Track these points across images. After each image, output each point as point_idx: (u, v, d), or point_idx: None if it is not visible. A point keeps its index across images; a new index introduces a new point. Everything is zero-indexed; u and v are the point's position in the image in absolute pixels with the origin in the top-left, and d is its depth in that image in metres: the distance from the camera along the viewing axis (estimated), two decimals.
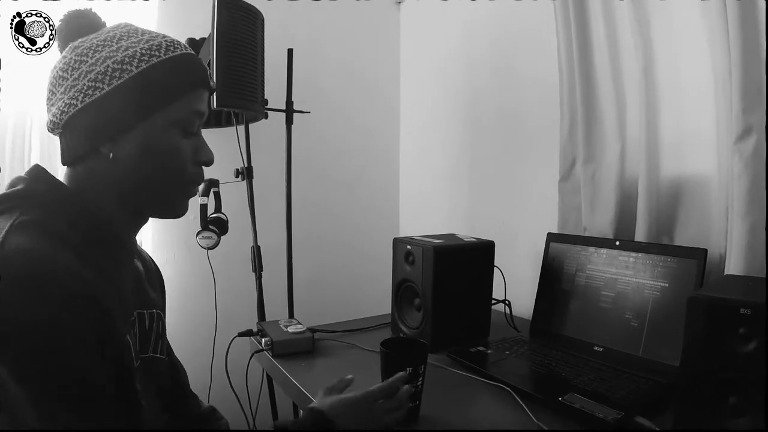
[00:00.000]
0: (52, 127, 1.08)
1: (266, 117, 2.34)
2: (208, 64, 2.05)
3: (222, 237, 2.18)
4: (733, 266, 1.49)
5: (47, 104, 1.08)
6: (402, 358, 1.31)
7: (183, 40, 2.18)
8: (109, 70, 1.02)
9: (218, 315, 2.45)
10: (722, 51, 1.54)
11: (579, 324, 1.82)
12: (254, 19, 2.16)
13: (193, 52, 1.15)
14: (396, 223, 3.45)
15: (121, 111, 1.03)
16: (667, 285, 1.61)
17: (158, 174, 1.10)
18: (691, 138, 1.75)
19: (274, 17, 2.36)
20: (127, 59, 1.03)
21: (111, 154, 1.05)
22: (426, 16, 3.21)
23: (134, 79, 1.03)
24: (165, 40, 1.09)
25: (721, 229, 1.63)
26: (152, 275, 1.34)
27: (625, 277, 1.72)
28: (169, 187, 1.14)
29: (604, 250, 1.80)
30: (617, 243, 1.78)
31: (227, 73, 2.03)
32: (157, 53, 1.06)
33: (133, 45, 1.05)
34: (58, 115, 1.05)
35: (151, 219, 1.21)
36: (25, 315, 0.82)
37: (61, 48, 1.12)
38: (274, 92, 2.36)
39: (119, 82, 1.02)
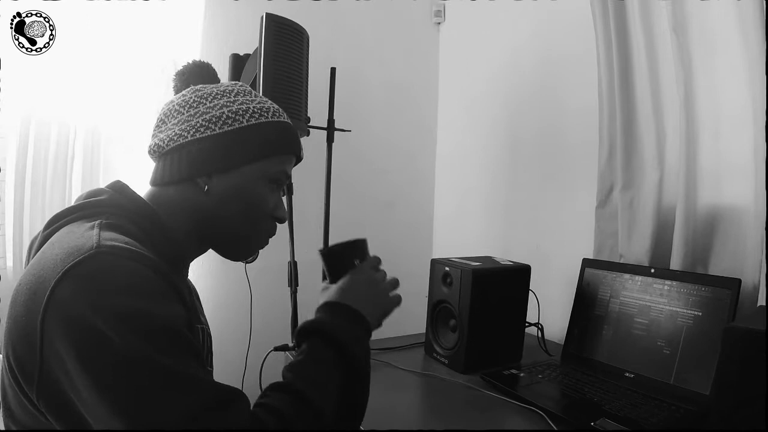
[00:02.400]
0: (155, 150, 1.17)
1: (308, 134, 2.38)
2: (254, 81, 2.10)
3: (260, 251, 2.21)
4: None
5: (155, 130, 1.19)
6: (344, 251, 1.37)
7: (227, 56, 2.24)
8: (224, 116, 1.14)
9: (252, 328, 2.48)
10: (761, 83, 1.54)
11: (611, 350, 1.83)
12: (300, 38, 2.21)
13: (291, 123, 1.26)
14: (430, 243, 3.46)
15: (225, 153, 1.14)
16: (700, 314, 1.62)
17: (240, 215, 1.18)
18: (729, 168, 1.76)
19: (318, 36, 2.40)
20: (241, 111, 1.16)
21: (206, 187, 1.14)
22: (465, 37, 3.24)
23: (243, 130, 1.15)
24: (273, 107, 1.22)
25: (756, 260, 1.63)
26: (199, 297, 1.41)
27: (659, 304, 1.73)
28: (249, 230, 1.22)
29: (639, 278, 1.81)
30: (652, 271, 1.79)
31: (273, 91, 2.07)
32: (265, 115, 1.19)
33: (247, 102, 1.18)
34: (165, 141, 1.14)
35: None
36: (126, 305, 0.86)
37: (178, 86, 1.28)
38: (315, 111, 2.40)
39: (229, 128, 1.14)
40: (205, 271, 2.63)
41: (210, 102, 1.16)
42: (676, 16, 1.78)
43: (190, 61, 1.30)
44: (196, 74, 1.28)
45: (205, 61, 1.32)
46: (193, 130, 1.13)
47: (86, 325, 0.82)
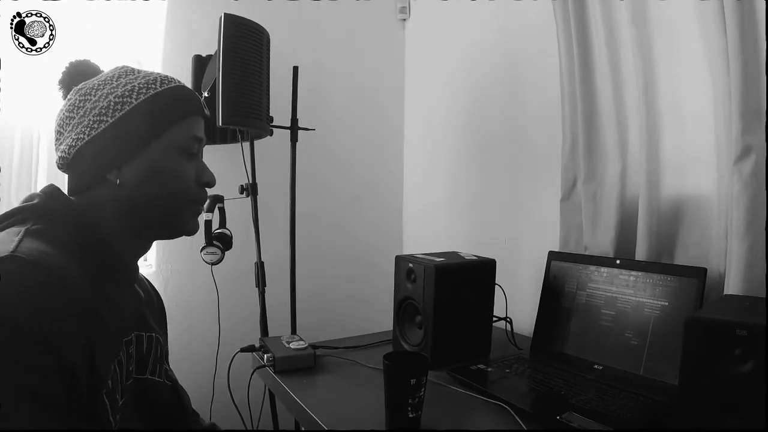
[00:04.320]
0: (62, 163, 1.15)
1: (271, 134, 2.36)
2: (214, 82, 2.08)
3: (226, 252, 2.19)
4: (732, 286, 1.49)
5: (56, 144, 1.16)
6: (405, 370, 1.33)
7: (189, 57, 2.22)
8: (111, 104, 1.12)
9: (221, 329, 2.47)
10: (722, 72, 1.55)
11: (579, 342, 1.83)
12: (260, 37, 2.19)
13: (184, 84, 1.24)
14: (399, 240, 3.46)
15: (124, 139, 1.12)
16: (667, 304, 1.62)
17: (163, 194, 1.17)
18: (691, 158, 1.76)
19: (280, 35, 2.39)
20: (126, 93, 1.13)
21: (118, 180, 1.12)
22: (430, 33, 3.24)
23: (134, 110, 1.13)
24: (160, 76, 1.19)
25: (721, 249, 1.63)
26: (153, 303, 1.40)
27: (626, 295, 1.73)
28: (175, 207, 1.20)
29: (604, 269, 1.81)
30: (618, 262, 1.79)
31: (233, 91, 2.06)
32: (153, 86, 1.16)
33: (131, 81, 1.15)
34: (66, 151, 1.12)
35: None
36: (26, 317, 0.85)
37: (64, 94, 1.23)
38: (278, 109, 2.39)
39: (121, 114, 1.12)
40: (172, 275, 2.61)
41: (94, 95, 1.13)
42: (635, 8, 1.78)
43: (67, 64, 1.25)
44: (77, 75, 1.23)
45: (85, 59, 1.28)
46: (88, 129, 1.11)
47: None
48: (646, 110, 1.78)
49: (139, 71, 1.19)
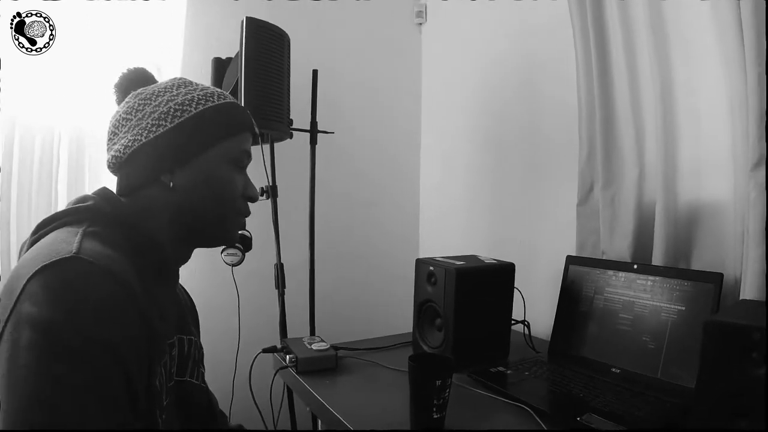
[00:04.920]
0: (115, 163, 1.17)
1: (291, 137, 2.39)
2: (236, 85, 2.11)
3: (246, 254, 2.21)
4: (748, 291, 1.51)
5: (108, 144, 1.20)
6: (430, 371, 1.36)
7: (209, 60, 2.25)
8: (171, 110, 1.16)
9: (241, 331, 2.49)
10: (739, 80, 1.57)
11: (597, 345, 1.85)
12: (281, 41, 2.22)
13: (237, 102, 1.29)
14: (416, 243, 3.47)
15: (181, 145, 1.16)
16: (684, 308, 1.64)
17: (213, 201, 1.22)
18: (708, 164, 1.78)
19: (299, 38, 2.41)
20: (186, 102, 1.17)
21: (171, 183, 1.16)
22: (447, 37, 3.25)
23: (193, 119, 1.17)
24: (216, 91, 1.24)
25: (737, 254, 1.64)
26: (189, 306, 1.45)
27: (643, 300, 1.75)
28: (222, 215, 1.25)
29: (622, 274, 1.83)
30: (635, 267, 1.81)
31: (254, 94, 2.09)
32: (211, 99, 1.21)
33: (190, 92, 1.19)
34: (121, 151, 1.15)
35: None
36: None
37: (119, 98, 1.27)
38: (297, 112, 2.42)
39: (180, 120, 1.16)
40: (192, 275, 2.63)
41: (155, 101, 1.17)
42: (652, 13, 1.80)
43: (125, 70, 1.29)
44: (134, 81, 1.27)
45: (141, 66, 1.32)
46: (146, 132, 1.15)
47: (31, 323, 0.85)
48: (663, 116, 1.80)
49: (196, 84, 1.24)
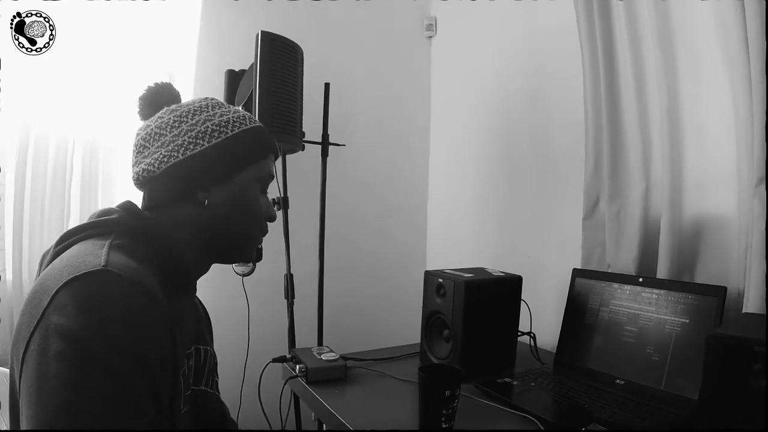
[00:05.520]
0: (146, 176, 1.19)
1: (303, 149, 2.42)
2: (250, 96, 2.14)
3: (257, 264, 2.24)
4: (751, 304, 1.53)
5: (137, 157, 1.22)
6: (440, 382, 1.39)
7: (222, 72, 2.28)
8: (209, 130, 1.20)
9: (250, 340, 2.52)
10: (744, 96, 1.59)
11: (602, 357, 1.87)
12: (294, 55, 2.26)
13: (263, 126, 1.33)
14: (424, 255, 3.49)
15: (219, 164, 1.20)
16: (688, 321, 1.66)
17: (242, 220, 1.27)
18: (713, 179, 1.80)
19: (311, 52, 2.44)
20: (223, 123, 1.22)
21: (206, 201, 1.20)
22: (457, 51, 3.27)
23: (230, 140, 1.22)
24: (246, 114, 1.28)
25: (740, 268, 1.66)
26: (204, 317, 1.48)
27: (648, 312, 1.77)
28: (249, 234, 1.30)
29: (627, 287, 1.86)
30: (640, 280, 1.83)
31: (268, 106, 2.12)
32: (244, 122, 1.26)
33: (226, 113, 1.24)
34: (155, 165, 1.17)
35: None
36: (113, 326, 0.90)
37: (144, 110, 1.29)
38: (309, 125, 2.45)
39: (217, 140, 1.20)
40: (204, 285, 2.65)
41: (192, 119, 1.20)
42: (660, 30, 1.82)
43: (153, 84, 1.31)
44: (161, 95, 1.30)
45: (168, 81, 1.34)
46: (182, 148, 1.17)
47: (60, 334, 0.86)
48: (669, 130, 1.82)
49: (229, 106, 1.28)
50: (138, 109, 1.31)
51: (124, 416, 0.86)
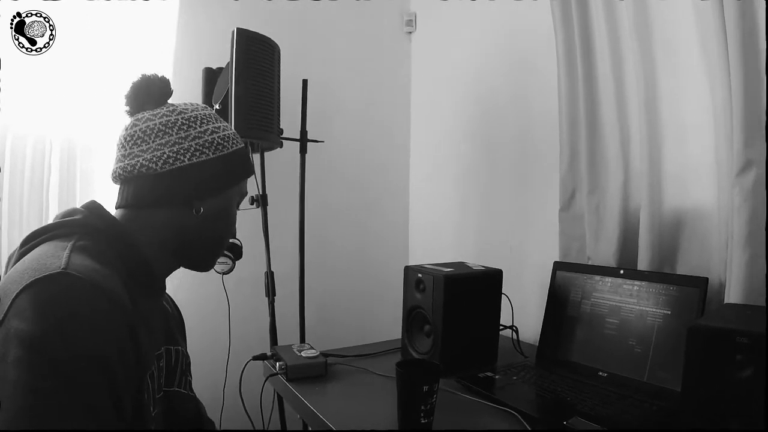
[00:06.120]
0: (144, 172, 1.17)
1: (281, 146, 2.40)
2: (227, 95, 2.12)
3: (236, 262, 2.22)
4: (733, 294, 1.53)
5: (132, 149, 1.18)
6: (417, 377, 1.38)
7: (199, 70, 2.26)
8: (215, 142, 1.22)
9: (231, 338, 2.50)
10: (723, 86, 1.59)
11: (584, 350, 1.86)
12: (271, 52, 2.24)
13: None
14: (406, 250, 3.48)
15: (220, 177, 1.23)
16: (669, 312, 1.66)
17: (221, 233, 1.31)
18: (693, 170, 1.80)
19: (289, 48, 2.43)
20: (227, 137, 1.26)
21: (201, 209, 1.21)
22: (436, 46, 3.27)
23: (232, 156, 1.26)
24: (236, 133, 1.33)
25: (721, 259, 1.67)
26: (176, 316, 1.46)
27: (629, 304, 1.77)
28: (221, 245, 1.35)
29: (608, 279, 1.85)
30: (621, 272, 1.82)
31: (245, 104, 2.11)
32: (238, 141, 1.30)
33: (227, 128, 1.28)
34: (156, 163, 1.16)
35: None
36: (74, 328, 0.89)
37: (134, 106, 1.24)
38: (287, 122, 2.43)
39: (220, 153, 1.22)
40: (183, 284, 2.63)
41: (200, 126, 1.21)
42: (637, 20, 1.82)
43: (140, 76, 1.25)
44: (150, 85, 1.24)
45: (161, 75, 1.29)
46: (188, 153, 1.17)
47: (18, 339, 0.85)
48: (647, 122, 1.81)
49: (224, 121, 1.30)
50: (128, 93, 1.24)
51: (81, 421, 0.85)
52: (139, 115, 1.21)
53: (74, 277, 0.92)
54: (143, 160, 1.16)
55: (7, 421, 0.80)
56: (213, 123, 1.23)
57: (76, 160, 2.40)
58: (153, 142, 1.16)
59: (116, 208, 1.22)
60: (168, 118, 1.19)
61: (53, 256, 0.96)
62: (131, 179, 1.19)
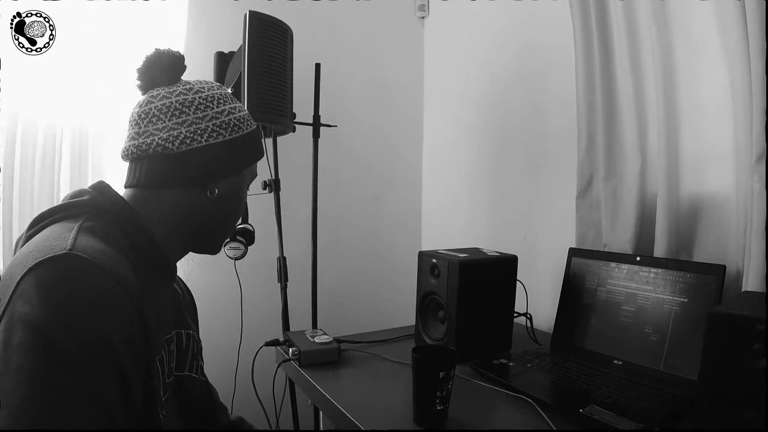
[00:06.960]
0: (159, 152, 1.15)
1: (294, 130, 2.39)
2: (239, 79, 2.11)
3: (249, 247, 2.21)
4: (751, 283, 1.51)
5: (148, 126, 1.15)
6: (434, 363, 1.37)
7: (211, 54, 2.25)
8: (232, 123, 1.21)
9: (243, 324, 2.50)
10: (742, 71, 1.56)
11: (599, 338, 1.85)
12: (284, 35, 2.22)
13: None
14: (418, 236, 3.48)
15: (236, 158, 1.22)
16: (686, 300, 1.64)
17: (233, 215, 1.31)
18: (711, 156, 1.77)
19: (299, 32, 2.40)
20: (242, 118, 1.25)
21: (216, 191, 1.20)
22: (449, 30, 3.24)
23: (246, 136, 1.24)
24: (249, 114, 1.31)
25: (739, 246, 1.64)
26: (187, 300, 1.44)
27: (645, 292, 1.75)
28: (231, 228, 1.35)
29: (624, 266, 1.83)
30: (638, 259, 1.80)
31: (258, 88, 2.09)
32: (252, 122, 1.29)
33: (241, 109, 1.26)
34: (173, 142, 1.14)
35: None
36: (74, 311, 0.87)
37: (146, 80, 1.21)
38: (300, 106, 2.42)
39: (236, 135, 1.21)
40: (195, 269, 2.64)
41: (217, 107, 1.19)
42: (655, 5, 1.79)
43: (153, 50, 1.22)
44: (161, 61, 1.20)
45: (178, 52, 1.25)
46: (206, 134, 1.16)
47: (23, 323, 0.83)
48: (665, 108, 1.79)
49: (239, 101, 1.29)
50: (139, 79, 1.22)
51: (85, 404, 0.84)
52: (154, 92, 1.18)
53: (79, 258, 0.90)
54: (159, 139, 1.14)
55: (14, 408, 0.79)
56: (229, 104, 1.22)
57: (88, 147, 2.40)
58: (169, 120, 1.14)
59: (126, 188, 1.19)
60: (185, 97, 1.16)
61: (59, 237, 0.95)
62: (144, 158, 1.16)
